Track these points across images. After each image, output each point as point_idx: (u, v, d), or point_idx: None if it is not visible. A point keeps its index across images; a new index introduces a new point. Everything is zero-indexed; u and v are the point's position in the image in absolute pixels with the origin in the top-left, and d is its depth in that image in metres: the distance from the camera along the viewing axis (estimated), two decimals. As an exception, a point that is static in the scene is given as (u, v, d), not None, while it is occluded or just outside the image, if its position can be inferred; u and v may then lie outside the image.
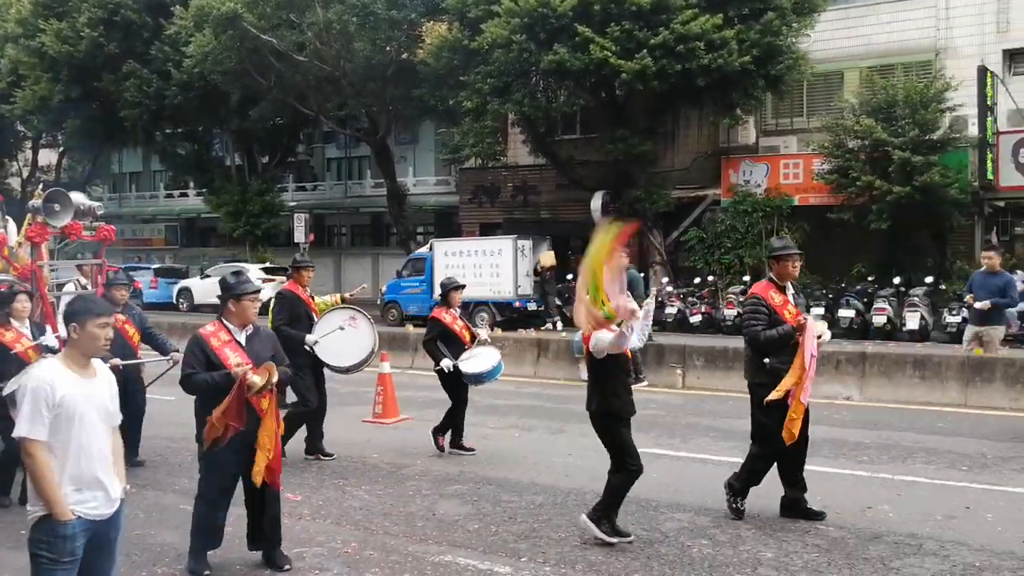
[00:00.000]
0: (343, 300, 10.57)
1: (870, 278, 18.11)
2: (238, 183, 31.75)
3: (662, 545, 5.92)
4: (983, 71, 17.39)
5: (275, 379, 5.19)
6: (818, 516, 6.29)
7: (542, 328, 19.24)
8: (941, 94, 17.59)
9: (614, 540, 5.87)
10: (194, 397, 5.44)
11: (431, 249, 21.51)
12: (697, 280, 19.79)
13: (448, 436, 8.63)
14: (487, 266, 20.04)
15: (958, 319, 14.88)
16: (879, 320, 16.26)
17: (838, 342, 15.41)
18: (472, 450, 8.55)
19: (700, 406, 11.05)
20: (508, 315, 19.88)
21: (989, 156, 17.45)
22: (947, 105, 17.63)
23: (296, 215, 27.70)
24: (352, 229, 37.53)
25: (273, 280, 21.72)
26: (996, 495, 6.87)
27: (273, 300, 8.62)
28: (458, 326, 8.59)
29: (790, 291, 6.39)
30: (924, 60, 19.51)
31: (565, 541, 6.02)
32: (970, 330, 11.23)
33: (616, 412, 5.99)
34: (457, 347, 8.46)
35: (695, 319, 18.46)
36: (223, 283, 5.55)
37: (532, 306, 20.02)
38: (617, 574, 5.43)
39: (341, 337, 8.34)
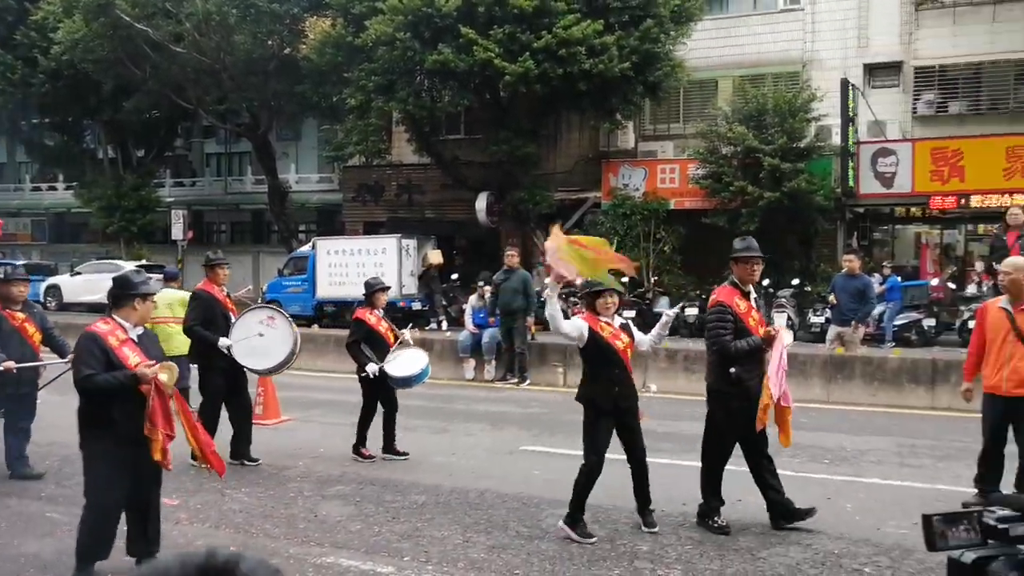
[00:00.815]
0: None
1: (742, 280, 18.87)
2: (112, 177, 30.35)
3: (543, 541, 6.03)
4: (845, 84, 18.42)
5: (175, 377, 5.13)
6: (806, 515, 6.16)
7: (427, 328, 19.20)
8: (807, 104, 18.52)
9: (589, 541, 5.90)
10: (76, 400, 5.17)
11: (313, 248, 21.13)
12: (579, 281, 20.17)
13: (358, 443, 8.37)
14: (371, 265, 19.82)
15: (822, 319, 15.71)
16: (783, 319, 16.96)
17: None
18: (406, 454, 8.29)
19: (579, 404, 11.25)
20: (392, 315, 19.67)
21: (851, 165, 18.50)
22: (813, 115, 18.58)
23: (174, 211, 26.69)
24: (232, 226, 36.43)
25: (149, 278, 20.85)
26: (855, 486, 7.30)
27: (189, 300, 8.27)
28: (383, 327, 8.35)
29: (752, 296, 6.28)
30: (792, 71, 20.52)
31: (447, 540, 6.05)
32: (833, 330, 11.94)
33: (590, 399, 6.09)
34: (381, 349, 8.21)
35: (575, 318, 18.81)
36: (125, 281, 5.34)
37: (417, 306, 19.94)
38: (499, 571, 5.50)
39: (259, 338, 8.00)
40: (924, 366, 11.02)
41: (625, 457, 6.20)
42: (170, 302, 10.35)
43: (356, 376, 8.37)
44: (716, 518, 6.19)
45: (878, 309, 15.24)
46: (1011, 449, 6.51)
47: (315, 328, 17.54)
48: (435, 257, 20.47)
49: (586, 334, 6.00)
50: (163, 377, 4.98)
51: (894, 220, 20.54)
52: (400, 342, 8.35)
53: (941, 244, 20.77)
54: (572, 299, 19.23)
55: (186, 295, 10.83)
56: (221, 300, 8.15)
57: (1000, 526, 1.53)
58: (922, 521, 1.67)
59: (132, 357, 5.07)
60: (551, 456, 8.45)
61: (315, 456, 8.43)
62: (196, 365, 8.29)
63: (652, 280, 19.30)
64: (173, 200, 31.47)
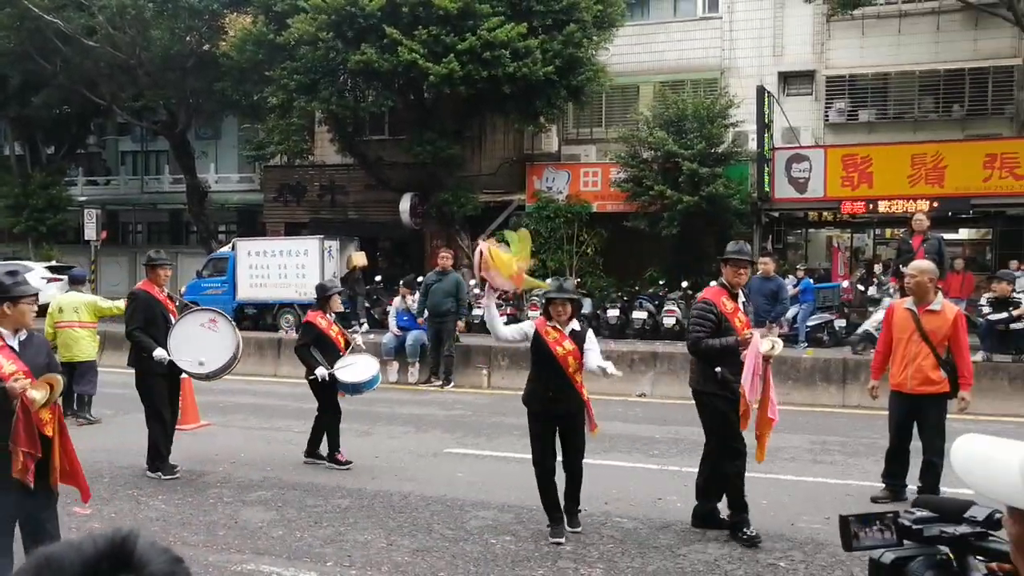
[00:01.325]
0: None
1: (661, 282, 19.23)
2: (19, 175, 29.17)
3: (467, 543, 6.04)
4: (761, 91, 18.94)
5: (60, 391, 4.80)
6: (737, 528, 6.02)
7: (349, 330, 18.99)
8: (725, 111, 18.97)
9: (555, 540, 5.95)
10: None
11: (234, 249, 20.68)
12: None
13: (332, 450, 8.21)
14: (293, 267, 19.53)
15: (739, 320, 16.07)
16: (669, 321, 17.31)
17: (632, 342, 16.29)
18: (349, 463, 8.09)
19: (505, 405, 11.29)
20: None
21: (766, 170, 19.01)
22: (730, 121, 19.03)
23: (86, 211, 25.75)
24: (149, 227, 35.36)
25: (59, 280, 20.08)
26: (769, 482, 7.51)
27: (126, 301, 7.96)
28: (333, 332, 8.25)
29: (741, 298, 6.28)
30: (711, 78, 21.00)
31: (371, 544, 6.02)
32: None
33: (525, 400, 6.22)
34: (332, 354, 8.10)
35: (501, 320, 18.87)
36: None
37: (339, 308, 19.70)
38: (423, 574, 5.49)
39: (200, 342, 7.73)
40: (836, 365, 11.42)
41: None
42: (76, 306, 10.02)
43: (306, 380, 8.28)
44: (746, 529, 5.98)
45: (792, 311, 15.72)
46: (916, 445, 6.81)
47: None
48: (359, 259, 20.25)
49: (531, 334, 6.13)
50: (34, 395, 4.64)
51: (807, 224, 21.22)
52: (352, 348, 8.28)
53: (851, 247, 21.55)
54: (497, 302, 19.29)
55: (93, 298, 10.49)
56: (162, 301, 7.88)
57: (915, 527, 1.60)
58: (839, 522, 1.74)
59: (7, 366, 4.74)
60: (475, 458, 8.48)
61: (235, 461, 8.27)
62: (134, 369, 7.96)
63: (575, 282, 19.48)
64: (86, 199, 30.37)
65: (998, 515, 1.55)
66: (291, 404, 11.40)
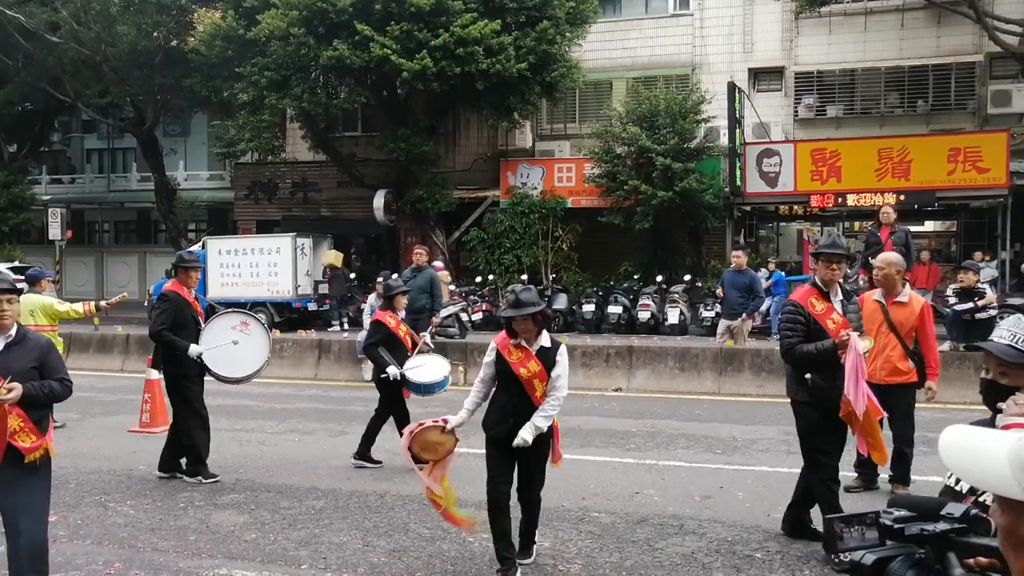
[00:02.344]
0: (98, 309, 9.78)
1: (635, 276, 19.30)
2: (-19, 173, 28.62)
3: (443, 542, 6.01)
4: (732, 87, 19.05)
5: (12, 397, 4.49)
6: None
7: (329, 329, 18.90)
8: (697, 106, 19.06)
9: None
10: None
11: (204, 247, 20.45)
12: (479, 279, 20.21)
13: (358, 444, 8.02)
14: (265, 265, 19.36)
15: (712, 314, 16.22)
16: (644, 316, 17.38)
17: (608, 337, 16.33)
18: (380, 463, 7.93)
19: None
20: (287, 316, 19.33)
21: (738, 165, 19.15)
22: (702, 117, 19.14)
23: (51, 210, 25.33)
24: (116, 225, 34.87)
25: (22, 281, 19.76)
26: (745, 474, 7.56)
27: (156, 302, 7.83)
28: (402, 331, 8.06)
29: (837, 296, 5.70)
30: (682, 74, 21.09)
31: (347, 545, 5.96)
32: (722, 324, 12.34)
33: (484, 425, 5.48)
34: (400, 353, 7.92)
35: (476, 317, 18.84)
36: None
37: (312, 306, 19.58)
38: (400, 574, 5.45)
39: (232, 345, 7.63)
40: (808, 358, 11.49)
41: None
42: (32, 308, 9.76)
43: (372, 380, 8.10)
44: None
45: (764, 303, 15.84)
46: (887, 434, 6.86)
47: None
48: (330, 258, 20.16)
49: (494, 356, 5.39)
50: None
51: (778, 218, 21.40)
52: (419, 348, 8.12)
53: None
54: (472, 298, 19.27)
55: (50, 301, 10.19)
56: (192, 303, 7.75)
57: (896, 526, 1.60)
58: (823, 524, 1.73)
59: None
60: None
61: (207, 463, 8.14)
62: (164, 373, 7.80)
63: (550, 278, 19.51)
64: (50, 198, 29.89)
65: (974, 511, 1.55)
66: (263, 405, 11.29)
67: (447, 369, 7.94)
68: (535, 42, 18.39)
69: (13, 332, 4.79)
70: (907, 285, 6.82)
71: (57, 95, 24.76)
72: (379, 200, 21.15)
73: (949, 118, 19.67)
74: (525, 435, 5.16)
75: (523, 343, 5.26)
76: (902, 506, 1.67)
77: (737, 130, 19.02)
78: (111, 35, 22.67)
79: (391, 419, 8.02)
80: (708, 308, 16.88)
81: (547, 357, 5.26)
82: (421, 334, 8.47)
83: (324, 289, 20.00)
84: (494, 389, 5.46)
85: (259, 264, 19.35)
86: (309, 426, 9.82)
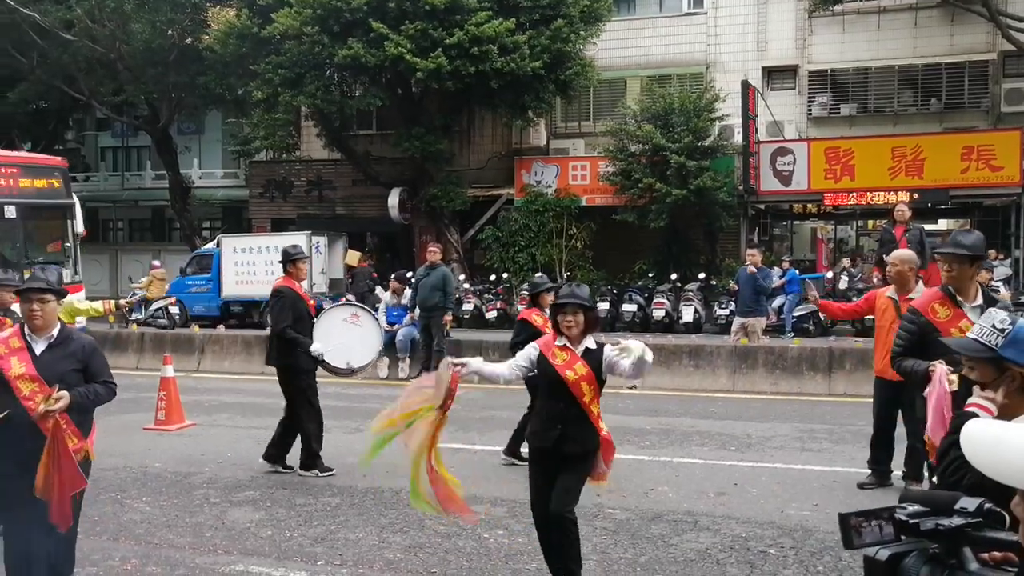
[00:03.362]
0: (117, 307, 9.84)
1: (650, 275, 19.28)
2: (-5, 172, 28.78)
3: (459, 538, 6.03)
4: (745, 85, 19.00)
5: (60, 407, 4.41)
6: None
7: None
8: (711, 104, 19.02)
9: None
10: None
11: (218, 245, 20.56)
12: (493, 277, 20.22)
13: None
14: (279, 263, 19.41)
15: (727, 312, 16.19)
16: (658, 314, 17.36)
17: (622, 335, 16.31)
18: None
19: (496, 400, 11.29)
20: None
21: (751, 163, 19.10)
22: (716, 115, 19.09)
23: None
24: (130, 223, 35.07)
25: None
26: (759, 471, 7.56)
27: (271, 299, 7.89)
28: (548, 329, 7.75)
29: (973, 303, 5.09)
30: (696, 72, 21.04)
31: (362, 541, 5.99)
32: (737, 322, 12.34)
33: (528, 436, 5.19)
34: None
35: (491, 315, 18.86)
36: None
37: (328, 304, 19.63)
38: (415, 570, 5.48)
39: (343, 337, 7.67)
40: (821, 354, 11.49)
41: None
42: None
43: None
44: None
45: (778, 301, 15.82)
46: (900, 432, 6.86)
47: (220, 329, 17.06)
48: (352, 259, 20.34)
49: (535, 357, 4.97)
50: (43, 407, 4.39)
51: (792, 216, 21.34)
52: None
53: (835, 239, 21.67)
54: (486, 296, 19.30)
55: (70, 299, 10.22)
56: (303, 297, 7.79)
57: (911, 521, 1.61)
58: (839, 520, 1.74)
59: (15, 368, 4.51)
60: (467, 452, 8.45)
61: (221, 461, 8.20)
62: (277, 367, 7.85)
63: (565, 276, 19.50)
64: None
65: (988, 506, 1.56)
66: (278, 403, 11.20)
67: None
68: (549, 40, 18.39)
69: (55, 332, 4.69)
70: (920, 283, 6.81)
71: (72, 93, 24.91)
72: (394, 198, 21.20)
73: (962, 116, 19.56)
74: (647, 355, 4.63)
75: (568, 344, 4.87)
76: (915, 501, 1.67)
77: (751, 128, 18.96)
78: (125, 33, 22.79)
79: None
80: (723, 306, 16.85)
81: (593, 359, 4.85)
82: None
83: (340, 288, 20.10)
84: (538, 400, 5.12)
85: (274, 262, 19.29)
86: (325, 423, 9.84)
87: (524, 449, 7.48)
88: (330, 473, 7.66)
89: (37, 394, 4.46)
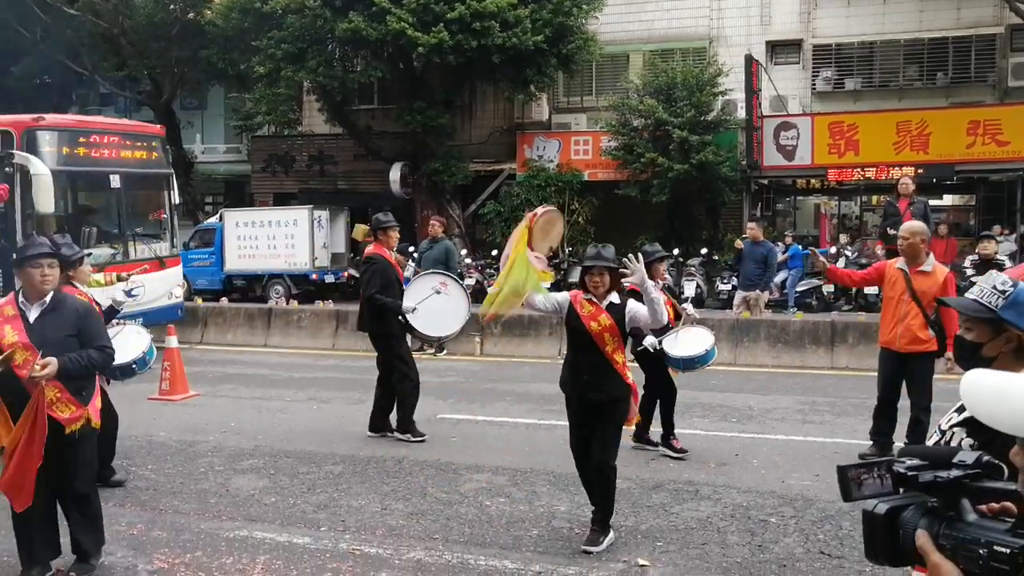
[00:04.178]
0: (119, 279, 9.88)
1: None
2: (-3, 146, 28.73)
3: (461, 506, 6.08)
4: (749, 60, 18.86)
5: (45, 374, 4.42)
6: None
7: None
8: (714, 79, 18.90)
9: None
10: None
11: (221, 219, 20.56)
12: (495, 252, 20.20)
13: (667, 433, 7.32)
14: (282, 237, 19.44)
15: (729, 286, 16.19)
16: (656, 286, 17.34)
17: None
18: (684, 452, 7.10)
19: (498, 372, 11.36)
20: (305, 288, 19.44)
21: (755, 138, 19.01)
22: (719, 89, 18.97)
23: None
24: (133, 199, 35.03)
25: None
26: (760, 442, 7.60)
27: (362, 265, 8.00)
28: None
29: None
30: (699, 47, 20.88)
31: (365, 508, 6.05)
32: (739, 295, 12.34)
33: (561, 385, 5.56)
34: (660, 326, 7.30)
35: (493, 290, 18.84)
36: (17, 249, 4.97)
37: (330, 278, 19.66)
38: (418, 536, 5.53)
39: (434, 305, 7.65)
40: (824, 328, 11.50)
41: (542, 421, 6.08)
42: None
43: (631, 355, 7.19)
44: None
45: (780, 276, 15.81)
46: (904, 404, 6.87)
47: (224, 302, 17.11)
48: (357, 233, 20.32)
49: (565, 308, 5.40)
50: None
51: (795, 191, 21.25)
52: (683, 319, 7.35)
53: (839, 214, 21.61)
54: (488, 271, 19.30)
55: None
56: (393, 264, 7.86)
57: (910, 473, 1.61)
58: (837, 472, 1.74)
59: (8, 336, 4.52)
60: (469, 423, 8.50)
61: (225, 431, 8.25)
62: (371, 334, 7.92)
63: (567, 251, 19.49)
64: (69, 172, 30.02)
65: (986, 458, 1.57)
66: (281, 374, 11.40)
67: (710, 340, 7.18)
68: (551, 14, 18.25)
69: (48, 298, 4.68)
70: (931, 255, 6.79)
71: (75, 68, 24.81)
72: (395, 173, 21.15)
73: (969, 91, 19.41)
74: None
75: (594, 298, 5.32)
76: (914, 455, 1.68)
77: (754, 103, 18.86)
78: (128, 7, 22.66)
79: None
80: (725, 281, 16.85)
81: (617, 311, 5.31)
82: (682, 305, 7.73)
83: (342, 263, 20.13)
84: (568, 349, 5.53)
85: (276, 236, 19.42)
86: (327, 395, 9.92)
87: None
88: (421, 439, 7.65)
89: (29, 363, 4.44)
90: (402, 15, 17.38)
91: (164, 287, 12.75)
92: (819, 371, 10.91)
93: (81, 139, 11.99)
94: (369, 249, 7.99)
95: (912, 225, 6.93)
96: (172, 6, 22.58)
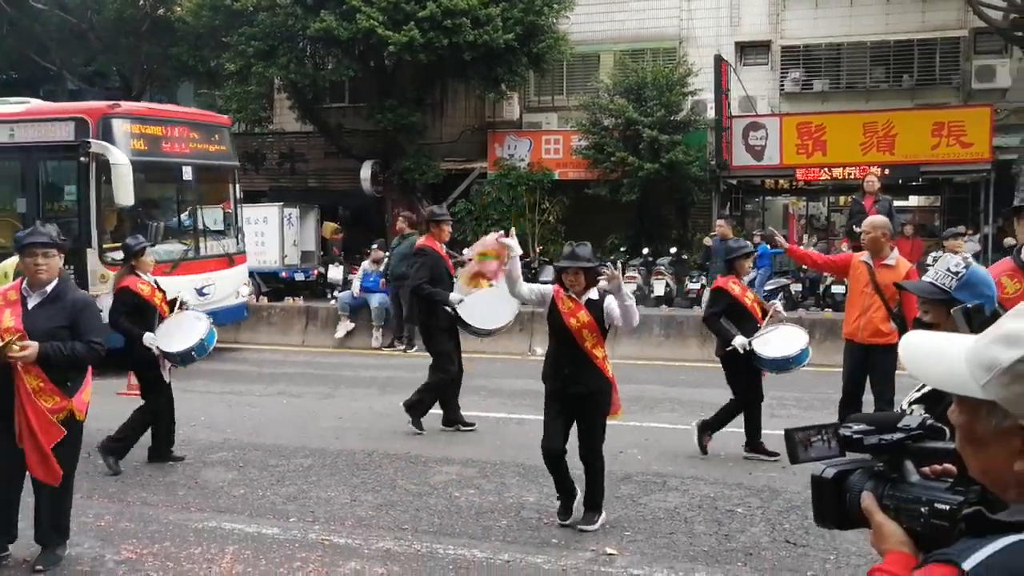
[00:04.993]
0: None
1: (622, 249, 19.37)
2: (-39, 143, 28.26)
3: (431, 497, 6.11)
4: (718, 60, 19.03)
5: (23, 355, 4.47)
6: None
7: (328, 298, 18.92)
8: (684, 79, 19.05)
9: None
10: None
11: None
12: (465, 251, 20.21)
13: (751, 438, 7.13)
14: (251, 235, 19.23)
15: (698, 286, 16.32)
16: (630, 288, 17.43)
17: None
18: (776, 455, 6.77)
19: (469, 368, 11.34)
20: (275, 285, 19.31)
21: (724, 138, 19.20)
22: (689, 89, 19.12)
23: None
24: (100, 197, 34.60)
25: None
26: (728, 436, 7.66)
27: (414, 256, 8.06)
28: (748, 299, 6.98)
29: None
30: (669, 47, 21.04)
31: (334, 500, 6.06)
32: (708, 293, 12.42)
33: (543, 378, 5.65)
34: (748, 325, 6.85)
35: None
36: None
37: (300, 276, 19.56)
38: (387, 527, 5.56)
39: (484, 297, 7.57)
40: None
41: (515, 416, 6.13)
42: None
43: (716, 356, 7.11)
44: None
45: (749, 276, 15.93)
46: (868, 398, 6.99)
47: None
48: (327, 230, 20.33)
49: (548, 301, 5.54)
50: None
51: (764, 192, 21.48)
52: (770, 317, 7.02)
53: (807, 215, 21.89)
54: (459, 269, 19.30)
55: None
56: (444, 257, 7.85)
57: (855, 436, 1.66)
58: (784, 436, 1.80)
59: (5, 321, 4.59)
60: (439, 418, 8.50)
61: (194, 424, 8.21)
62: (419, 326, 7.94)
63: (537, 250, 19.55)
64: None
65: (930, 421, 1.63)
66: (252, 369, 11.36)
67: (804, 339, 6.92)
68: (523, 13, 18.30)
69: (49, 289, 4.71)
70: (895, 249, 6.91)
71: (43, 63, 24.49)
72: (366, 171, 21.08)
73: (934, 93, 19.75)
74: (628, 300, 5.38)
75: (573, 295, 5.42)
76: (861, 421, 1.73)
77: (723, 103, 19.04)
78: (97, 2, 22.40)
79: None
80: (694, 280, 16.98)
81: (596, 308, 5.41)
82: (771, 302, 7.45)
83: (312, 261, 20.08)
84: (550, 343, 5.65)
85: (247, 234, 19.26)
86: (297, 389, 9.89)
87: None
88: (418, 432, 7.68)
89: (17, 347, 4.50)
90: (372, 13, 17.34)
91: (232, 286, 12.28)
92: (786, 367, 11.02)
93: (154, 128, 11.33)
94: (420, 241, 8.09)
95: (874, 219, 7.06)
96: (141, 2, 22.37)
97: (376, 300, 13.13)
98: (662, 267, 17.63)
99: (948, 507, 1.42)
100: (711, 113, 19.41)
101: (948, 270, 2.60)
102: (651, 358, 11.68)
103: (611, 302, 5.42)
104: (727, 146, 19.29)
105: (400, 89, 20.05)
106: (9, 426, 4.62)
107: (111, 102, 11.22)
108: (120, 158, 10.20)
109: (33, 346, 4.47)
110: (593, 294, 5.48)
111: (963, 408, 1.34)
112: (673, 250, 18.51)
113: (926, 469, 1.59)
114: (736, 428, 7.90)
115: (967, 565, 1.17)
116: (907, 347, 1.44)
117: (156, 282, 7.09)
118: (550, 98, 22.31)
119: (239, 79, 20.11)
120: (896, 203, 14.19)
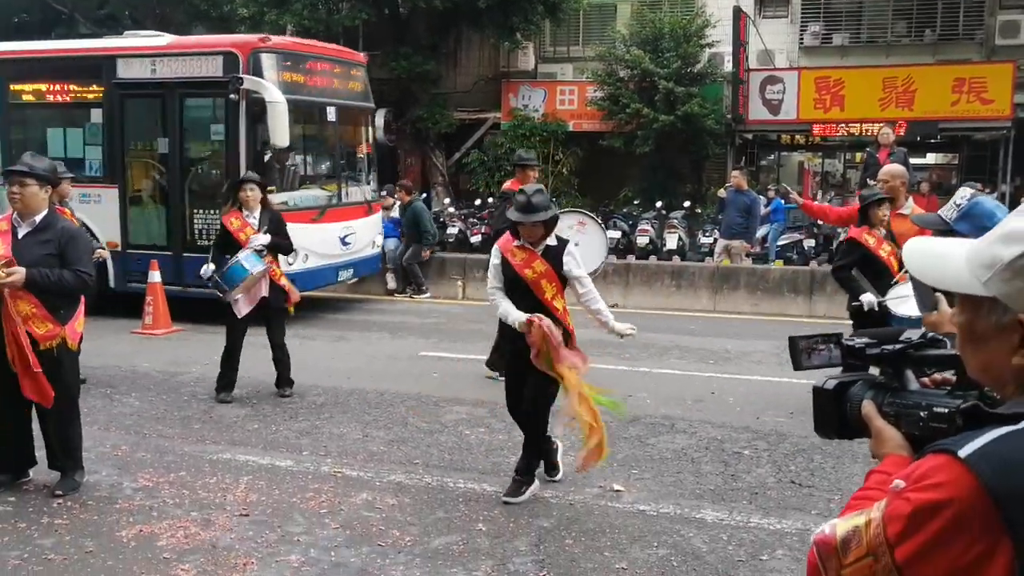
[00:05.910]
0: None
1: (635, 202, 19.29)
2: (-27, 86, 28.22)
3: (441, 434, 6.20)
4: (737, 12, 18.72)
5: (9, 281, 4.55)
6: None
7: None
8: (701, 30, 18.77)
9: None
10: None
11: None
12: (478, 202, 20.17)
13: None
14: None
15: (711, 240, 16.26)
16: (642, 240, 17.38)
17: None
18: None
19: (480, 314, 11.38)
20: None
21: (740, 91, 18.96)
22: (706, 41, 18.85)
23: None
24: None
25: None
26: (737, 382, 7.73)
27: (498, 199, 7.99)
28: (884, 252, 6.17)
29: None
30: (688, -2, 20.73)
31: (346, 436, 6.15)
32: (720, 243, 12.43)
33: (498, 342, 5.59)
34: (883, 279, 6.07)
35: (475, 239, 18.83)
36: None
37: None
38: (398, 461, 5.64)
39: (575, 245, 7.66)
40: (803, 277, 11.63)
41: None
42: None
43: (847, 310, 6.38)
44: None
45: (763, 230, 15.90)
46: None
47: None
48: None
49: (499, 259, 5.09)
50: None
51: (780, 147, 21.28)
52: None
53: (822, 171, 21.70)
54: (471, 220, 19.31)
55: None
56: None
57: (857, 346, 1.69)
58: (788, 343, 1.82)
59: None
60: (450, 360, 8.59)
61: (208, 364, 8.22)
62: None
63: (545, 195, 19.48)
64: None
65: (931, 334, 1.65)
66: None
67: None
68: (539, -41, 18.04)
69: (38, 219, 4.81)
70: (910, 199, 6.85)
71: (54, 6, 24.36)
72: (380, 119, 20.93)
73: (956, 48, 19.40)
74: (623, 328, 5.41)
75: (527, 244, 4.97)
76: (864, 335, 1.75)
77: (741, 56, 18.78)
78: (108, -55, 22.19)
79: None
80: (707, 234, 16.92)
81: (553, 256, 4.96)
82: None
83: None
84: (508, 295, 5.13)
85: (258, 181, 19.25)
86: (310, 332, 9.96)
87: None
88: (496, 377, 7.36)
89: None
90: (388, -43, 17.11)
91: (370, 234, 11.74)
92: (797, 319, 11.03)
93: (301, 64, 10.71)
94: (506, 184, 8.10)
95: (891, 168, 7.00)
96: (154, -57, 22.12)
97: (391, 243, 13.10)
98: (675, 220, 17.55)
99: (947, 410, 1.44)
100: (728, 66, 19.14)
101: (954, 202, 2.60)
102: (662, 308, 11.67)
103: (572, 250, 5.04)
104: (744, 100, 19.06)
105: (414, 37, 19.85)
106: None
107: (260, 35, 10.73)
108: (276, 95, 9.62)
109: (20, 271, 4.56)
110: (550, 240, 5.00)
111: (965, 307, 1.36)
112: (687, 204, 18.40)
113: (926, 379, 1.62)
114: (746, 375, 7.96)
115: (963, 453, 1.20)
116: (911, 251, 1.46)
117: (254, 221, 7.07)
118: (565, 48, 22.04)
119: (252, 25, 19.94)
120: (913, 160, 14.01)
